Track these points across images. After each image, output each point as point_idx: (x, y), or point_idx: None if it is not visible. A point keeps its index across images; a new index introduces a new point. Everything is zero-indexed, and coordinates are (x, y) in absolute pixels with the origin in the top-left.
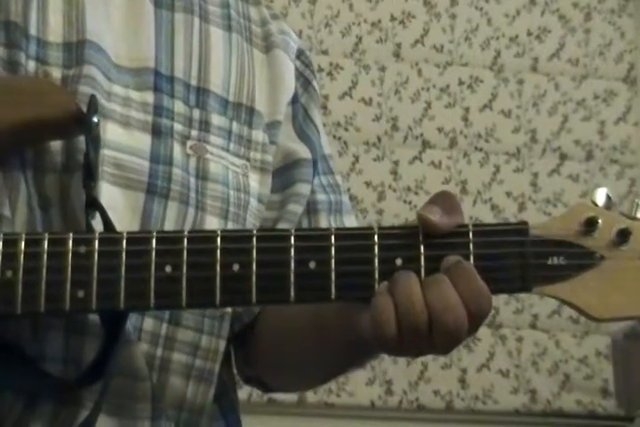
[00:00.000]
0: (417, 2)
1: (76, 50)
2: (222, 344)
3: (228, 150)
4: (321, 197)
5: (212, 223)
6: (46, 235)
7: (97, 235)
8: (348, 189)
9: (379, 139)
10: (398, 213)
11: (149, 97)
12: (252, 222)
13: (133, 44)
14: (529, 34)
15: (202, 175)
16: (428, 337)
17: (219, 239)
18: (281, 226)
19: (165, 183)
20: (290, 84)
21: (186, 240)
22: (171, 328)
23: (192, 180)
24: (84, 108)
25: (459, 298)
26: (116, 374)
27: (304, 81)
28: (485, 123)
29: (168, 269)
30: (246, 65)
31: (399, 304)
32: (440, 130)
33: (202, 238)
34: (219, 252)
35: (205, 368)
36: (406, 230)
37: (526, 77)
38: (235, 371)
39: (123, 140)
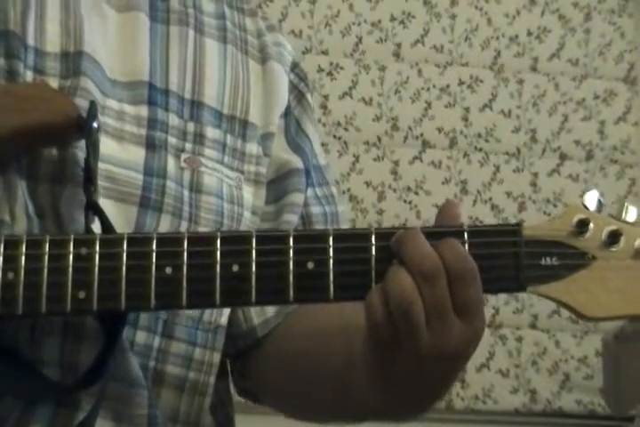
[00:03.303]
0: (417, 2)
1: (73, 60)
2: (217, 357)
3: (222, 163)
4: (316, 209)
5: None
6: (47, 237)
7: (98, 236)
8: (348, 190)
9: (379, 139)
10: (398, 213)
11: (143, 111)
12: None
13: (127, 58)
14: (529, 34)
15: (196, 188)
16: (417, 315)
17: (218, 241)
18: None
19: (159, 196)
20: (283, 97)
21: (186, 242)
22: (163, 341)
23: (186, 193)
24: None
25: (434, 251)
26: (113, 380)
27: (298, 94)
28: (485, 123)
29: (168, 270)
30: (241, 77)
31: (387, 287)
32: (440, 130)
33: (202, 240)
34: (218, 253)
35: (199, 381)
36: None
37: (526, 77)
38: (231, 383)
39: (116, 154)
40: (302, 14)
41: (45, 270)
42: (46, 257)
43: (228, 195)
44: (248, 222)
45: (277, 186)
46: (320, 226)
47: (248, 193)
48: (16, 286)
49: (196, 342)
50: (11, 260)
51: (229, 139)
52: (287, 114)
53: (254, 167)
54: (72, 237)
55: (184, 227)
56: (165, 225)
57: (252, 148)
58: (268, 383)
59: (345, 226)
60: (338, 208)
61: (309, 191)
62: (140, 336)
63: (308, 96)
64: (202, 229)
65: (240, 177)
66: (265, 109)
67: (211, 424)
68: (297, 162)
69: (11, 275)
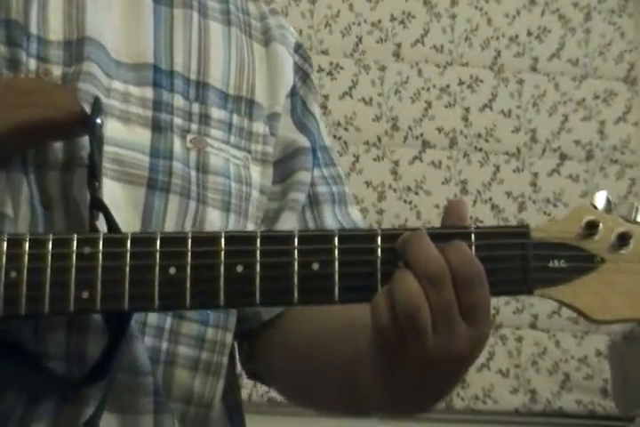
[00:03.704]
0: (417, 2)
1: (76, 48)
2: (229, 337)
3: (228, 143)
4: (323, 188)
5: (214, 216)
6: (50, 236)
7: (101, 236)
8: None
9: (379, 139)
10: (398, 213)
11: (149, 92)
12: (254, 214)
13: (132, 40)
14: (529, 34)
15: (202, 168)
16: (424, 320)
17: (222, 241)
18: (284, 215)
19: (166, 177)
20: (288, 78)
21: (190, 242)
22: (175, 322)
23: (193, 173)
24: (86, 107)
25: (439, 253)
26: (118, 370)
27: (302, 74)
28: (485, 123)
29: (172, 270)
30: (246, 58)
31: (393, 290)
32: (440, 130)
33: (206, 240)
34: (222, 253)
35: (212, 361)
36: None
37: (526, 77)
38: (238, 368)
39: (122, 136)
40: (302, 14)
41: (48, 270)
42: (49, 256)
43: (235, 174)
44: (256, 202)
45: (284, 165)
46: (327, 205)
47: (256, 172)
48: (19, 286)
49: (208, 322)
50: (14, 259)
51: (235, 118)
52: (293, 94)
53: (261, 146)
54: (75, 236)
55: (192, 207)
56: (174, 206)
57: (259, 127)
58: (273, 370)
59: (352, 207)
60: (345, 189)
61: (316, 171)
62: (152, 318)
63: (312, 77)
64: (210, 209)
65: (247, 156)
66: (270, 90)
67: (221, 410)
68: (303, 141)
69: (14, 274)
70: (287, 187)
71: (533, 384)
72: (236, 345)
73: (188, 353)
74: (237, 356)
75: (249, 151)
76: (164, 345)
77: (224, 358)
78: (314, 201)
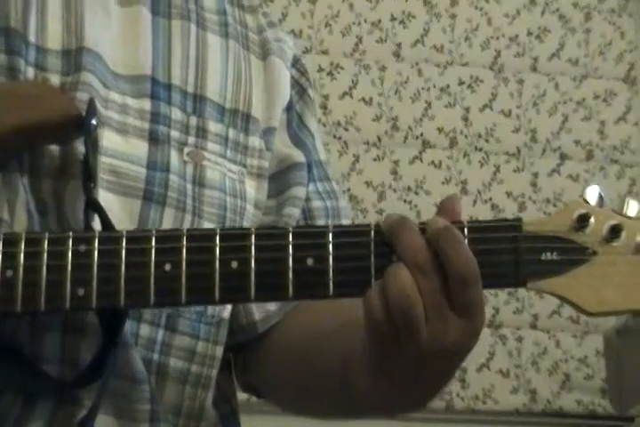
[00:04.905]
0: (417, 2)
1: (75, 57)
2: (219, 350)
3: (224, 157)
4: (317, 203)
5: None
6: (46, 234)
7: (97, 234)
8: (348, 190)
9: (379, 139)
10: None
11: (146, 104)
12: None
13: (130, 52)
14: (529, 34)
15: (199, 182)
16: (418, 315)
17: (217, 237)
18: None
19: (162, 190)
20: (285, 92)
21: (185, 238)
22: (167, 334)
23: (189, 186)
24: (83, 113)
25: (424, 242)
26: (115, 376)
27: (299, 89)
28: (485, 123)
29: (167, 267)
30: (243, 71)
31: (386, 285)
32: (440, 130)
33: (200, 236)
34: (217, 249)
35: (202, 374)
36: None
37: (526, 77)
38: (234, 378)
39: (119, 148)
40: (302, 14)
41: (44, 268)
42: (45, 255)
43: (230, 188)
44: (251, 216)
45: (279, 180)
46: (322, 220)
47: (251, 187)
48: (15, 284)
49: (199, 335)
50: (9, 257)
51: (232, 132)
52: (289, 108)
53: (257, 161)
54: (71, 234)
55: (188, 220)
56: (169, 219)
57: (255, 141)
58: (267, 378)
59: (346, 221)
60: (339, 203)
61: (311, 186)
62: (144, 329)
63: (310, 91)
64: (205, 223)
65: (243, 171)
66: (267, 104)
67: (214, 418)
68: (299, 156)
69: (9, 273)
70: (282, 202)
71: (533, 384)
72: (231, 358)
73: (177, 365)
74: (233, 368)
75: (244, 165)
76: (156, 357)
77: (213, 371)
78: (308, 216)
